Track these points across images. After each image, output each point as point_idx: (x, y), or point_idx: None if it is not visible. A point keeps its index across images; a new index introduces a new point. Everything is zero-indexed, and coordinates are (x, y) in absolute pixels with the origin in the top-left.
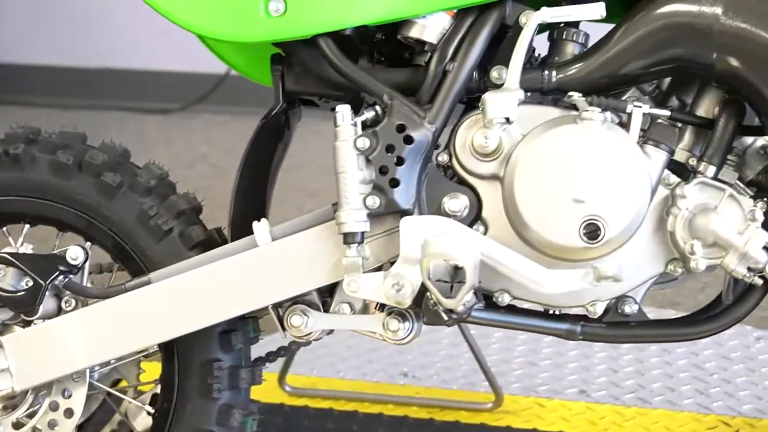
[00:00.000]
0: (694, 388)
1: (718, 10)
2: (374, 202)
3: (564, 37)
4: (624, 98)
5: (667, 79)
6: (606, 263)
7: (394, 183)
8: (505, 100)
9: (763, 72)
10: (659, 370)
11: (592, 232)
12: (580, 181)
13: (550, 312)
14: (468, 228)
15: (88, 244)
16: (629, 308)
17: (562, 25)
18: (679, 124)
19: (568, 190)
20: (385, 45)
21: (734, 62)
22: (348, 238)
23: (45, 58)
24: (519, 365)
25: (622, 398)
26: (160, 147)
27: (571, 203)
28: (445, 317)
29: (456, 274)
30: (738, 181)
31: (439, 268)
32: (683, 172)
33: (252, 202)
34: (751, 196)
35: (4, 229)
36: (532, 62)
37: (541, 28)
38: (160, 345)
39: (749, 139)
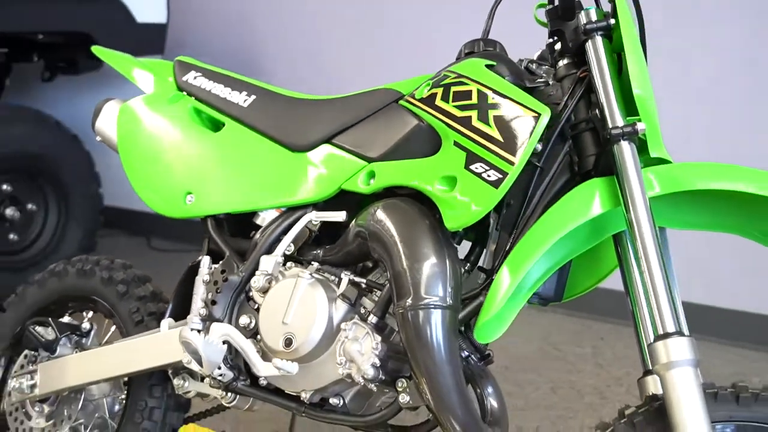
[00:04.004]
0: None
1: (370, 225)
2: (203, 312)
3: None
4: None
5: None
6: (263, 364)
7: (213, 303)
8: (270, 261)
9: (386, 254)
10: None
11: (288, 342)
12: (288, 311)
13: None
14: (235, 330)
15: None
16: (334, 401)
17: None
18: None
19: (280, 315)
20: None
21: (377, 250)
22: None
23: None
24: None
25: None
26: None
27: (280, 323)
28: (212, 383)
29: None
30: None
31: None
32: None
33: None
34: None
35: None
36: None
37: None
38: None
39: None
